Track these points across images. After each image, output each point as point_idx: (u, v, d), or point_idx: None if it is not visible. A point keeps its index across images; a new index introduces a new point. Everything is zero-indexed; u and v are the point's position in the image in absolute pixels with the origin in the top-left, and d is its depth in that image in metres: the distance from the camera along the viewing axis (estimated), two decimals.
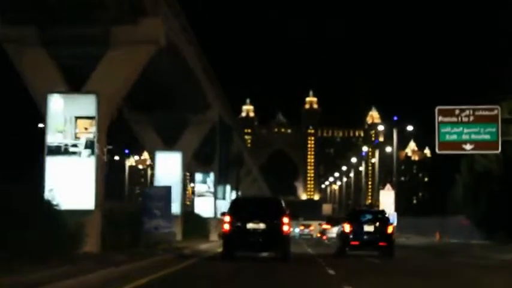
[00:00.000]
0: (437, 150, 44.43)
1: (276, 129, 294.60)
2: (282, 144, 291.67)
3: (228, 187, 64.42)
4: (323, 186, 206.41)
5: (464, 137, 43.22)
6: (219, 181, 56.09)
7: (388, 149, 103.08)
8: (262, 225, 27.16)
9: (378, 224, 34.00)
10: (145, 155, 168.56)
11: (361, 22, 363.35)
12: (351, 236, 33.91)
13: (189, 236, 44.35)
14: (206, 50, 43.81)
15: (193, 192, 67.25)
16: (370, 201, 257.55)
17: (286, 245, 27.51)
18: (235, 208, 28.11)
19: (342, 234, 35.31)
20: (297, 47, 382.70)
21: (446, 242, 56.54)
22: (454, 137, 43.39)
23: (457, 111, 43.20)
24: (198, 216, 52.50)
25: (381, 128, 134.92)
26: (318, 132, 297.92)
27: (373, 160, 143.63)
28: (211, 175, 56.73)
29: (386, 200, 69.59)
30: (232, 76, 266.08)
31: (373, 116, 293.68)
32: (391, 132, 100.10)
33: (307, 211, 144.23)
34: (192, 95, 45.39)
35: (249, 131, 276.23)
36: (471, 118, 42.96)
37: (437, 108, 43.44)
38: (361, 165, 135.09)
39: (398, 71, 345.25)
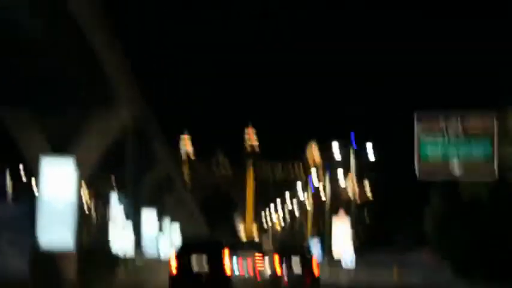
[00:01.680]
0: (418, 176, 37.49)
1: (214, 168, 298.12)
2: (221, 183, 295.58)
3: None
4: (263, 217, 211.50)
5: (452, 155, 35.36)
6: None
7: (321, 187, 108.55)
8: (207, 268, 29.74)
9: (304, 259, 37.56)
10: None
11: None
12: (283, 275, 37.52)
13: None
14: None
15: (104, 220, 56.63)
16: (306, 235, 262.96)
17: (230, 286, 30.35)
18: (181, 251, 30.75)
19: (273, 275, 39.35)
20: (234, 80, 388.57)
21: (409, 282, 52.14)
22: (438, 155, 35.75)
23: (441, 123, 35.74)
24: (110, 255, 42.21)
25: (313, 171, 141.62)
26: (257, 169, 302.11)
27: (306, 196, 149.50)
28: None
29: (340, 229, 68.59)
30: (169, 107, 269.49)
31: (313, 152, 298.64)
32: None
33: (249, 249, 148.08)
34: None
35: (187, 166, 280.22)
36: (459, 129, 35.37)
37: (415, 114, 36.65)
38: (295, 200, 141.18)
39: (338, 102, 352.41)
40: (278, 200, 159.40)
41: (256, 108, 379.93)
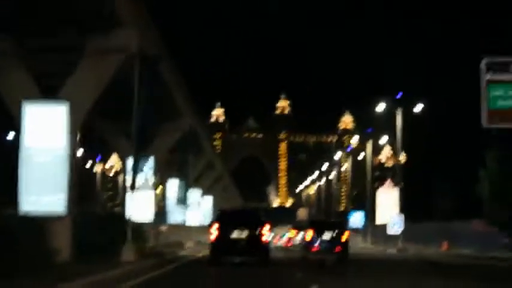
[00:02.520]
0: (484, 123, 34.63)
1: (247, 135, 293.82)
2: (253, 150, 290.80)
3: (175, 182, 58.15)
4: (297, 190, 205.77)
5: None
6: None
7: (361, 155, 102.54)
8: (244, 234, 31.14)
9: (334, 232, 39.97)
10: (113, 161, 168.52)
11: (330, 20, 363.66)
12: (311, 243, 39.95)
13: (93, 254, 28.31)
14: (176, 51, 43.32)
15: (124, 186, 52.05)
16: (343, 208, 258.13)
17: (266, 252, 31.63)
18: (220, 219, 32.24)
19: (303, 241, 41.87)
20: (268, 48, 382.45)
21: (459, 254, 48.61)
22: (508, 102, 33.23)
23: None
24: (119, 220, 34.44)
25: (354, 139, 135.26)
26: (290, 137, 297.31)
27: (345, 166, 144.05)
28: (151, 161, 43.27)
29: (386, 200, 65.26)
30: (203, 79, 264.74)
31: (346, 121, 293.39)
32: (362, 141, 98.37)
33: (280, 218, 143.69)
34: None
35: (220, 135, 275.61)
36: None
37: (484, 61, 33.54)
38: (333, 171, 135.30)
39: (372, 73, 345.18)
40: (315, 171, 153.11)
41: (289, 77, 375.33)
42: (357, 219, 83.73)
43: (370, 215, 76.84)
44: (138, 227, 38.03)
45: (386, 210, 65.65)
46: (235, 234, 31.27)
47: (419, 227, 66.06)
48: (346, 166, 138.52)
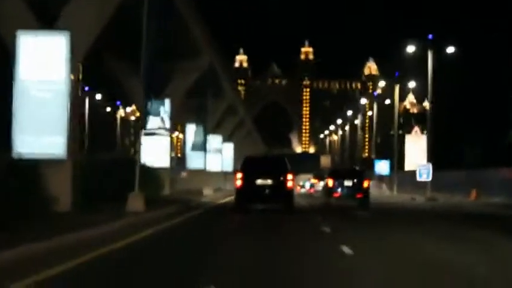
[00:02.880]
0: None
1: (270, 81, 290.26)
2: (277, 96, 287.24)
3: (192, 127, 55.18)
4: (321, 136, 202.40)
5: None
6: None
7: (387, 101, 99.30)
8: (269, 181, 31.15)
9: (355, 179, 41.02)
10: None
11: None
12: (334, 189, 41.03)
13: (100, 202, 26.16)
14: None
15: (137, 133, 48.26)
16: (367, 154, 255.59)
17: (291, 199, 31.53)
18: (246, 166, 31.99)
19: (326, 188, 42.95)
20: None
21: (488, 203, 46.49)
22: None
23: None
24: (129, 165, 29.56)
25: (381, 83, 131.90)
26: (313, 83, 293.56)
27: (369, 113, 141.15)
28: (167, 104, 39.61)
29: (414, 148, 63.01)
30: (225, 24, 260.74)
31: (371, 67, 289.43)
32: (389, 86, 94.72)
33: (303, 164, 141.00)
34: None
35: (243, 82, 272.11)
36: None
37: None
38: (356, 118, 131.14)
39: (395, 19, 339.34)
40: (338, 118, 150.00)
41: (313, 23, 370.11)
42: (382, 167, 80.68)
43: (397, 162, 73.68)
44: (152, 173, 35.33)
45: (414, 157, 62.66)
46: (260, 181, 31.28)
47: (447, 175, 63.24)
48: (370, 113, 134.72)
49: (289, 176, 31.49)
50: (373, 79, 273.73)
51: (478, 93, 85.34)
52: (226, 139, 77.89)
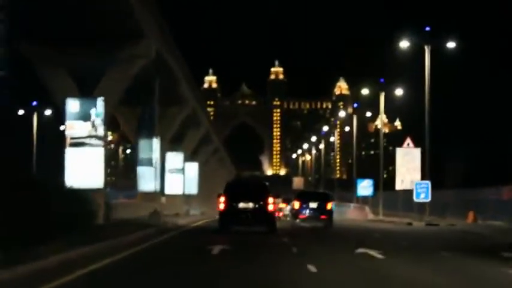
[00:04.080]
0: None
1: (240, 101, 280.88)
2: (247, 117, 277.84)
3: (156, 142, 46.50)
4: (294, 156, 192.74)
5: None
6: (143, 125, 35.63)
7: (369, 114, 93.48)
8: (251, 204, 31.95)
9: (320, 201, 42.52)
10: None
11: None
12: (300, 211, 42.42)
13: None
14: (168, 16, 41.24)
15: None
16: (338, 175, 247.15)
17: (272, 221, 32.40)
18: (228, 190, 32.69)
19: (292, 210, 44.55)
20: (262, 14, 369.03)
21: (487, 227, 40.01)
22: None
23: None
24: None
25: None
26: (284, 104, 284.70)
27: (347, 128, 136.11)
28: (100, 103, 30.20)
29: (406, 162, 53.65)
30: (194, 44, 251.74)
31: (341, 86, 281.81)
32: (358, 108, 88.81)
33: (274, 187, 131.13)
34: None
35: (212, 103, 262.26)
36: None
37: None
38: (329, 137, 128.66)
39: (367, 39, 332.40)
40: (310, 138, 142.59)
41: (283, 43, 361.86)
42: (365, 187, 70.95)
43: (383, 182, 63.92)
44: (77, 197, 25.37)
45: (407, 174, 53.00)
46: (242, 205, 32.03)
47: (435, 195, 53.70)
48: (348, 128, 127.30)
49: (270, 200, 32.39)
50: (344, 99, 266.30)
51: (462, 109, 77.21)
52: (188, 158, 68.19)
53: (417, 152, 54.19)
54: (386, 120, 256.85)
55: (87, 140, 28.97)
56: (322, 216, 41.74)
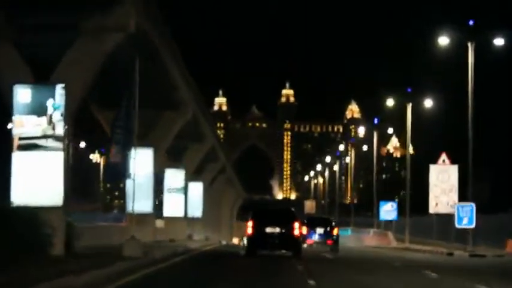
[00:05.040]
0: None
1: (250, 124, 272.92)
2: (257, 139, 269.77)
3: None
4: (306, 179, 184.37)
5: None
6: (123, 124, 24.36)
7: (366, 147, 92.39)
8: (278, 229, 32.59)
9: (326, 227, 44.52)
10: None
11: (339, 13, 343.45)
12: (307, 236, 43.62)
13: None
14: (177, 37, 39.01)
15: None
16: (349, 199, 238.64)
17: (299, 245, 33.12)
18: (256, 215, 33.33)
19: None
20: (273, 37, 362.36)
21: None
22: None
23: None
24: None
25: (361, 130, 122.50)
26: (294, 127, 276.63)
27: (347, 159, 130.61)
28: (59, 92, 22.27)
29: (441, 182, 46.13)
30: (204, 65, 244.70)
31: (353, 110, 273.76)
32: (370, 130, 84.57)
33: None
34: None
35: (222, 124, 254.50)
36: None
37: None
38: (339, 161, 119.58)
39: (378, 63, 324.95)
40: (321, 161, 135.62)
41: (294, 66, 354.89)
42: (388, 210, 62.79)
43: (410, 203, 55.57)
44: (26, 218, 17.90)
45: (443, 195, 44.95)
46: (269, 229, 32.25)
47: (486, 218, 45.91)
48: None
49: (296, 225, 32.64)
50: (356, 122, 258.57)
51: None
52: (192, 178, 60.04)
53: (454, 170, 46.00)
54: (398, 145, 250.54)
55: (41, 142, 20.95)
56: (329, 241, 43.67)
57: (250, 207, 40.17)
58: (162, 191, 52.63)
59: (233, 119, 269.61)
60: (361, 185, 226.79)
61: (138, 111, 25.00)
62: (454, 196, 45.44)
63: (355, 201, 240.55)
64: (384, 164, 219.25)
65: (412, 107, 55.84)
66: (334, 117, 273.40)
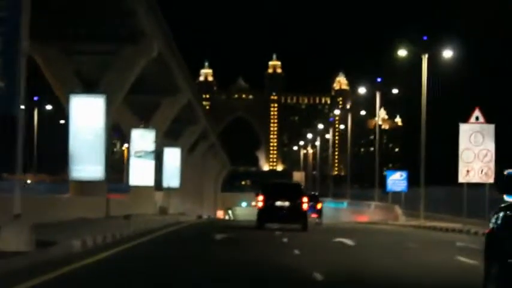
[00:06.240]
0: None
1: (236, 95, 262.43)
2: (243, 111, 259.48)
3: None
4: (295, 148, 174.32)
5: None
6: None
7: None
8: (287, 203, 33.47)
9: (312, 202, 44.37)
10: None
11: None
12: None
13: None
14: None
15: None
16: (336, 171, 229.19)
17: (305, 219, 34.01)
18: (266, 189, 34.38)
19: None
20: (260, 7, 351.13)
21: None
22: None
23: None
24: None
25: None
26: (281, 98, 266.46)
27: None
28: None
29: (473, 145, 36.39)
30: (190, 36, 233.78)
31: (341, 81, 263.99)
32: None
33: None
34: None
35: (207, 96, 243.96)
36: None
37: None
38: (333, 128, 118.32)
39: (366, 33, 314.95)
40: (307, 133, 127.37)
41: (281, 37, 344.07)
42: (397, 180, 52.87)
43: (425, 174, 45.45)
44: None
45: (475, 162, 35.05)
46: (279, 203, 33.09)
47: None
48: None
49: (305, 199, 33.74)
50: (344, 94, 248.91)
51: None
52: (167, 142, 49.74)
53: (490, 130, 36.05)
54: (386, 117, 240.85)
55: None
56: (312, 215, 45.03)
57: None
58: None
59: (219, 90, 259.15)
60: (348, 156, 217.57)
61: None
62: (490, 163, 35.54)
63: (343, 173, 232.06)
64: (372, 137, 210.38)
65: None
66: (322, 89, 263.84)
